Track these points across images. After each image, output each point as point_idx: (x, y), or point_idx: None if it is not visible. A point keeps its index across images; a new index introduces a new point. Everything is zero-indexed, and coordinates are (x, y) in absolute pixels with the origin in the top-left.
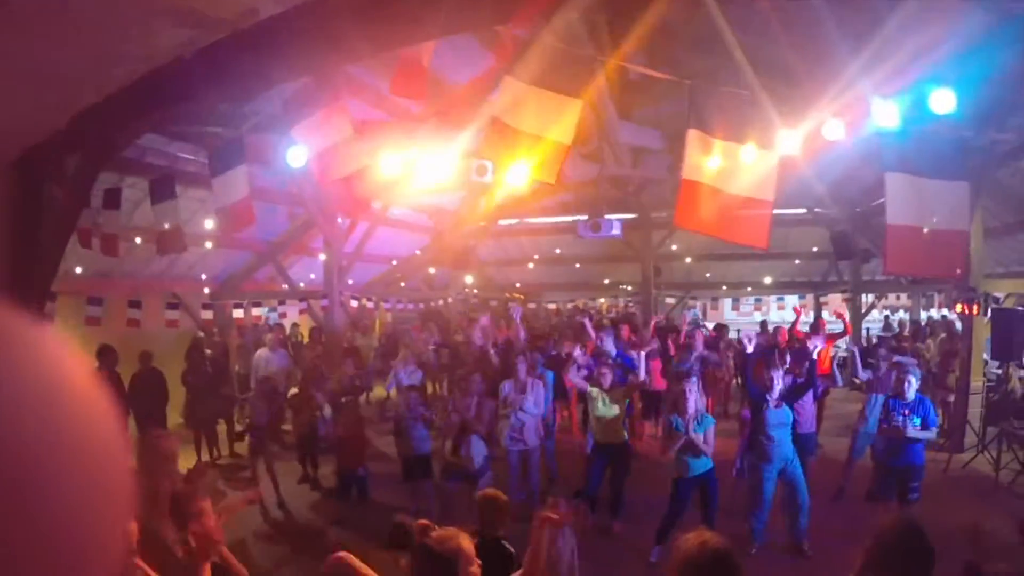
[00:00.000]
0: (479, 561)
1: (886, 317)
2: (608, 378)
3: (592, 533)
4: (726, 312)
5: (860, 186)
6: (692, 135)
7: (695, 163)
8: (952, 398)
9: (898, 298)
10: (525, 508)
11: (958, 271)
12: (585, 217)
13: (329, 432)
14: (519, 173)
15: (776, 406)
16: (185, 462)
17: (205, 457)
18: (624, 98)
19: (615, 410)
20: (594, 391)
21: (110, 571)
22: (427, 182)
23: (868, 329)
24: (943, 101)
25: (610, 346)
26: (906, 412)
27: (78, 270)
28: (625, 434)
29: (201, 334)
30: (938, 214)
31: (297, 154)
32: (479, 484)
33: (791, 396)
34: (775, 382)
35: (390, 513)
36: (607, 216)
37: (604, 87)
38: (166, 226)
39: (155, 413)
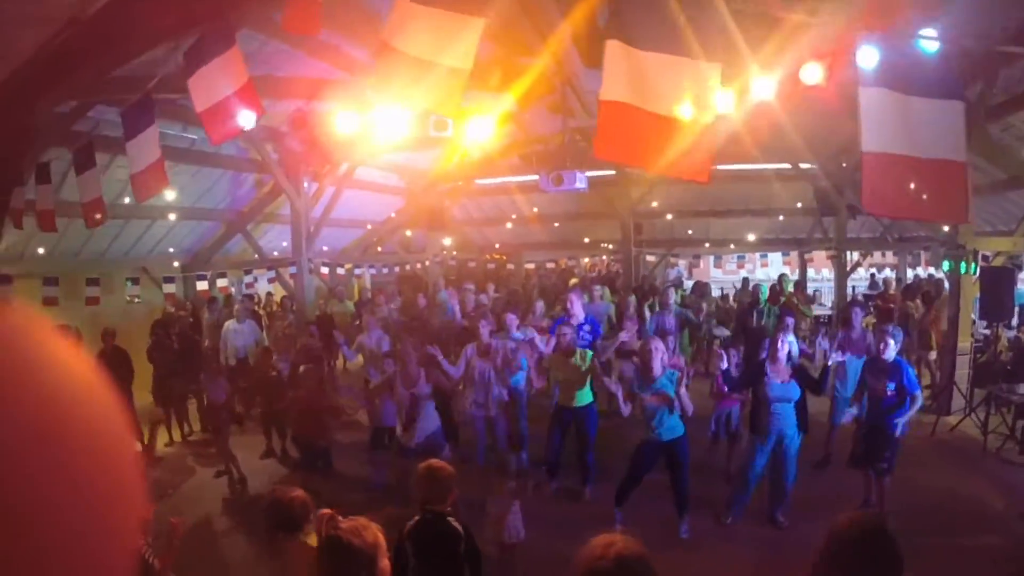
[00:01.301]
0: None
1: (872, 275)
2: (568, 338)
3: (562, 498)
4: (710, 270)
5: (845, 139)
6: (612, 48)
7: (615, 80)
8: (932, 356)
9: (883, 255)
10: (494, 474)
11: (961, 213)
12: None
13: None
14: (480, 127)
15: (782, 379)
16: (157, 440)
17: (176, 435)
18: (593, 47)
19: (575, 373)
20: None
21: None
22: (385, 139)
23: (854, 288)
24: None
25: (578, 308)
26: (881, 376)
27: (40, 251)
28: (589, 398)
29: (171, 309)
30: (928, 140)
31: (247, 116)
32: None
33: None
34: (780, 350)
35: (355, 484)
36: (572, 169)
37: (567, 35)
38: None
39: (121, 391)
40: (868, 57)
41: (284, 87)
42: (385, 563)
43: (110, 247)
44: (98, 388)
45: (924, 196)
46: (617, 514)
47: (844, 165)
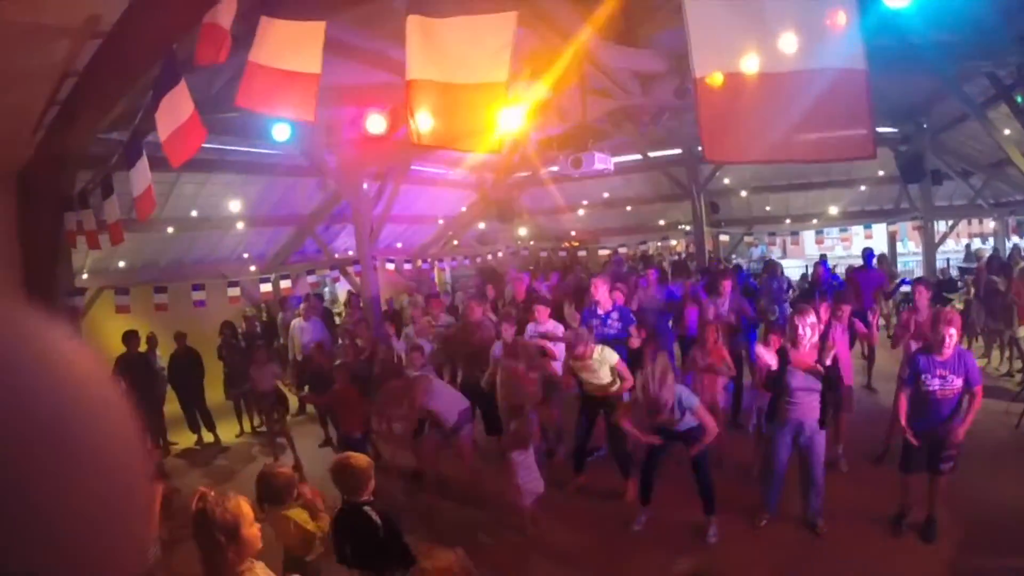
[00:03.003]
0: (258, 525)
1: (967, 246)
2: (580, 350)
3: (596, 494)
4: (808, 246)
5: (921, 95)
6: (411, 23)
7: (417, 57)
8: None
9: (980, 224)
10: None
11: (864, 145)
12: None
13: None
14: (510, 118)
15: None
16: (227, 432)
17: (247, 426)
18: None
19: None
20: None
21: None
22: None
23: (948, 260)
24: None
25: (603, 295)
26: (942, 373)
27: (121, 264)
28: (615, 389)
29: (248, 310)
30: (798, 47)
31: (281, 130)
32: (460, 437)
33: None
34: (802, 334)
35: (394, 472)
36: (594, 151)
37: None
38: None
39: (193, 387)
40: None
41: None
42: (251, 532)
43: (187, 256)
44: (110, 394)
45: (798, 127)
46: (640, 516)
47: (925, 126)
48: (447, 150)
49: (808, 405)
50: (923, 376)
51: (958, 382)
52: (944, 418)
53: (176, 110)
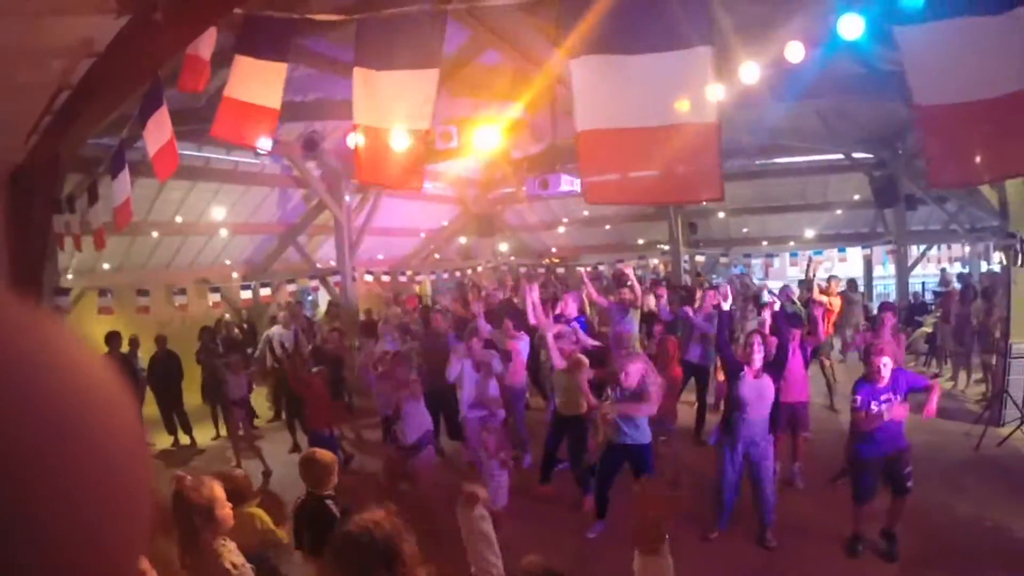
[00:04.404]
0: (231, 505)
1: (943, 271)
2: (568, 350)
3: (557, 502)
4: (785, 269)
5: (895, 121)
6: (356, 74)
7: (363, 105)
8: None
9: (949, 248)
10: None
11: (712, 188)
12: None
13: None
14: (486, 137)
15: (755, 377)
16: (203, 435)
17: (223, 430)
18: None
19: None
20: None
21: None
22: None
23: (924, 284)
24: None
25: (572, 310)
26: (886, 397)
27: (106, 266)
28: (584, 406)
29: (227, 316)
30: (661, 104)
31: (264, 143)
32: (420, 456)
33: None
34: (755, 350)
35: (364, 476)
36: (561, 173)
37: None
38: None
39: (171, 390)
40: (850, 26)
41: (309, 110)
42: (224, 512)
43: (171, 260)
44: (112, 391)
45: (656, 172)
46: (597, 524)
47: (900, 151)
48: (378, 185)
49: (758, 422)
50: (869, 403)
51: (899, 397)
52: (894, 437)
53: (159, 131)
